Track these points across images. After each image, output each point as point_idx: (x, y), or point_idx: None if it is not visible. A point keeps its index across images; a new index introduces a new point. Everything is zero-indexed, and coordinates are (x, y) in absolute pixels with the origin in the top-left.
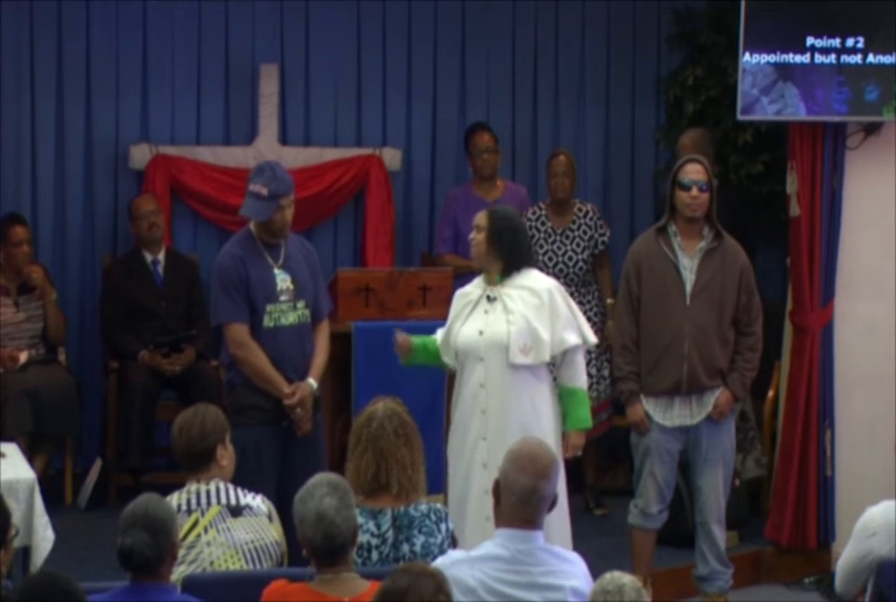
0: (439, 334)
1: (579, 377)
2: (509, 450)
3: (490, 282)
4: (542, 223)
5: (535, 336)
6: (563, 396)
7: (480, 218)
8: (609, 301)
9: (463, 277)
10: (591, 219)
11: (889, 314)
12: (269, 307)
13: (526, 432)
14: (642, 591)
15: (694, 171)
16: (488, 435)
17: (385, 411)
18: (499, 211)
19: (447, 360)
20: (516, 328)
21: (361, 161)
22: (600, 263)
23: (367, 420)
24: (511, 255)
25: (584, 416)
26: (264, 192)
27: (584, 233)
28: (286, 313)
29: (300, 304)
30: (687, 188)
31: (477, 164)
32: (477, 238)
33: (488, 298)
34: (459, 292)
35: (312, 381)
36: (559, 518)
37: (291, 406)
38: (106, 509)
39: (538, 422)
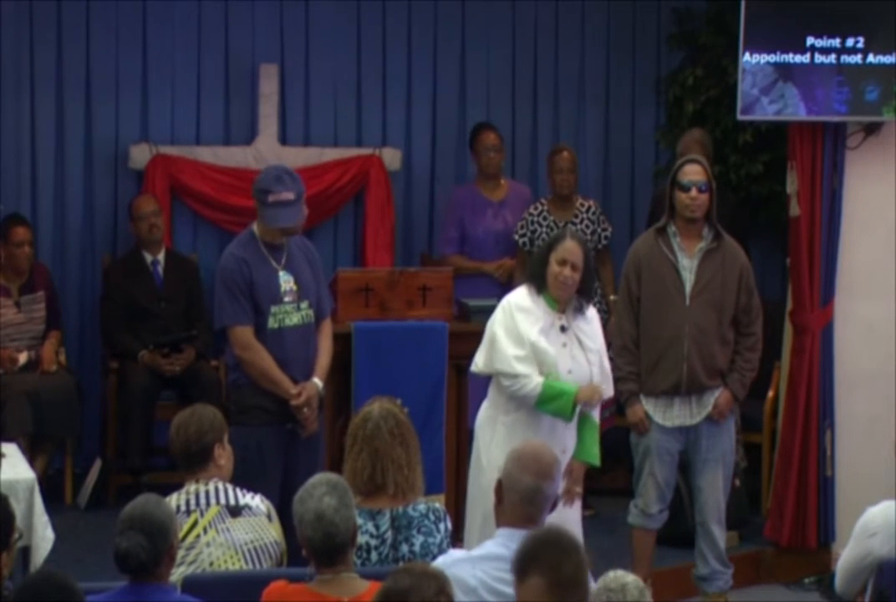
0: (513, 351)
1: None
2: (512, 449)
3: (559, 310)
4: (545, 218)
5: (605, 373)
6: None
7: (574, 254)
8: (612, 297)
9: (467, 279)
10: (593, 213)
11: (889, 314)
12: (273, 309)
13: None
14: (645, 590)
15: (693, 172)
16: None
17: (381, 412)
18: (584, 243)
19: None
20: (596, 370)
21: (361, 161)
22: (602, 260)
23: (362, 421)
24: (588, 289)
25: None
26: (291, 196)
27: (587, 227)
28: (290, 314)
29: (304, 305)
30: (686, 189)
31: (482, 162)
32: (574, 277)
33: (562, 329)
34: (515, 304)
35: (318, 381)
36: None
37: (298, 406)
38: (106, 509)
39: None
